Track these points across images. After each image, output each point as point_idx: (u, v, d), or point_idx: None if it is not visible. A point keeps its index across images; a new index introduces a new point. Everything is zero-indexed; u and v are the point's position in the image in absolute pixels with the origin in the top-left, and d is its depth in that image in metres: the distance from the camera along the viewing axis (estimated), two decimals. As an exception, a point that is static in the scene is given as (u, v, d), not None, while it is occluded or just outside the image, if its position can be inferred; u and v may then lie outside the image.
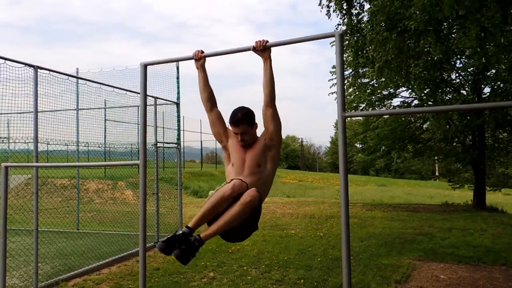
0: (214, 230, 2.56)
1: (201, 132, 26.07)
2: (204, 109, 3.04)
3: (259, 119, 2.96)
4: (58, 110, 6.73)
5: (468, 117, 12.59)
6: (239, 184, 2.60)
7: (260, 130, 2.99)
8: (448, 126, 13.46)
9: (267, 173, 2.86)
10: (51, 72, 5.50)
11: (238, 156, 2.89)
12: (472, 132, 13.58)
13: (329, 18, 10.29)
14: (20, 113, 5.36)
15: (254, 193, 2.55)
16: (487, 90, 13.46)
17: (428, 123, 15.09)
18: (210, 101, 2.99)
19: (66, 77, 6.12)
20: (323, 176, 37.62)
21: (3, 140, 6.43)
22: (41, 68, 5.16)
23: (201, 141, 27.26)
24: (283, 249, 7.03)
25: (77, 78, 7.09)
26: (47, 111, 6.25)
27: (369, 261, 6.13)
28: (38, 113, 5.10)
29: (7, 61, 4.69)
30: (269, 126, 2.87)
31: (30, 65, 5.00)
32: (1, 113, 5.20)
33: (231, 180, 2.67)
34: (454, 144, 14.66)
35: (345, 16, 9.99)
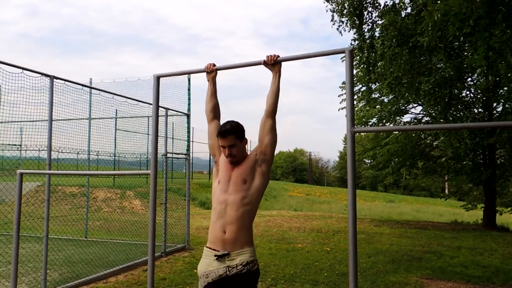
0: None
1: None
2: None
3: (254, 133, 2.93)
4: (71, 119, 6.85)
5: (480, 136, 12.46)
6: None
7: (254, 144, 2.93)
8: (459, 144, 13.34)
9: (253, 191, 2.67)
10: (66, 82, 5.62)
11: (225, 172, 2.77)
12: (482, 150, 13.45)
13: (340, 33, 10.41)
14: (34, 121, 5.47)
15: None
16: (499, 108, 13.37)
17: (438, 140, 14.97)
18: (213, 112, 2.96)
19: (80, 87, 6.24)
20: (331, 190, 37.40)
21: (18, 148, 6.54)
22: (57, 78, 5.28)
23: (210, 153, 27.33)
24: (289, 263, 6.99)
25: (91, 88, 7.22)
26: (60, 119, 6.37)
27: (376, 278, 6.07)
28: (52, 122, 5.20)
29: (24, 71, 4.81)
30: (264, 139, 2.72)
31: (46, 75, 5.13)
32: (15, 121, 5.31)
33: None
34: (464, 162, 14.50)
35: (357, 32, 10.05)
